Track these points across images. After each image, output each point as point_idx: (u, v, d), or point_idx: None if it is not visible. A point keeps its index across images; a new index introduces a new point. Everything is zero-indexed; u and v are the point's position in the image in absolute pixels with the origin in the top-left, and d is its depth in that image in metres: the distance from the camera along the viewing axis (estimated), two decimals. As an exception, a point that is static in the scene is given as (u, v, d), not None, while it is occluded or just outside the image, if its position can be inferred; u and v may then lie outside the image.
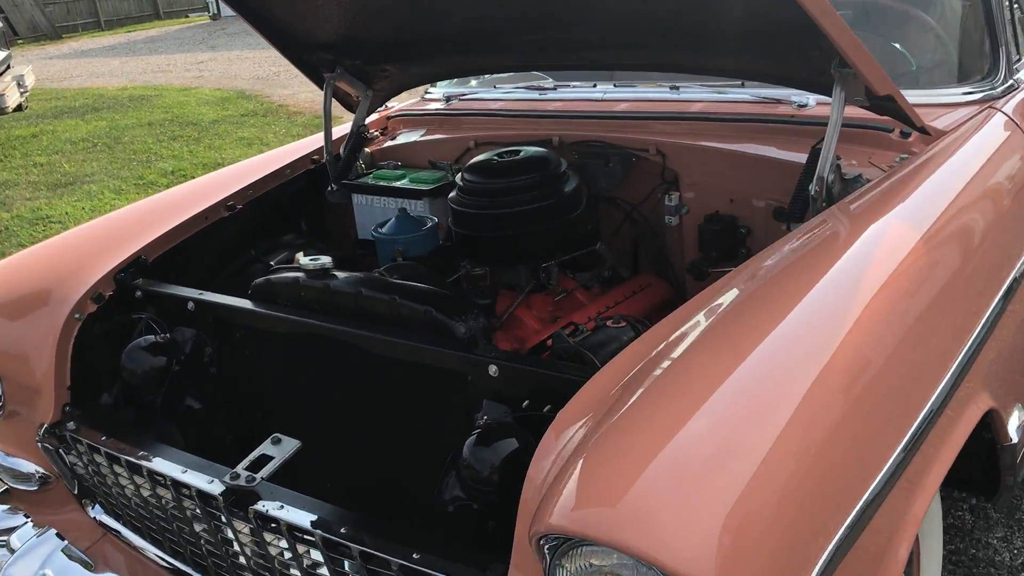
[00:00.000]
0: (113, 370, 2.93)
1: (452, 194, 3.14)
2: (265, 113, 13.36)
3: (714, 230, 3.08)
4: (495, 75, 3.89)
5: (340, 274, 2.68)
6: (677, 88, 3.35)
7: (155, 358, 2.84)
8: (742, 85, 3.26)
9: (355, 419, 2.66)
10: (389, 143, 3.88)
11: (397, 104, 4.14)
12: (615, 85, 3.51)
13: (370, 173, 3.71)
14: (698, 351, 1.87)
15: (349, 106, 3.78)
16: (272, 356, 2.84)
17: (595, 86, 3.55)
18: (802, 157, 2.94)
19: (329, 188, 3.64)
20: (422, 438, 2.53)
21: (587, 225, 3.12)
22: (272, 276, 2.76)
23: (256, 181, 3.51)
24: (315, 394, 2.74)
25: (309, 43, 3.44)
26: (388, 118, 4.08)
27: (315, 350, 2.69)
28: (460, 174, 3.13)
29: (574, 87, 3.61)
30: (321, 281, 2.63)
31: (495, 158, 3.08)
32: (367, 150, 3.81)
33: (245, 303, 2.76)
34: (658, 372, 1.79)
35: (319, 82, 3.62)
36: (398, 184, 3.54)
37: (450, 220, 3.15)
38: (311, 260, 2.69)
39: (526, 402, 2.18)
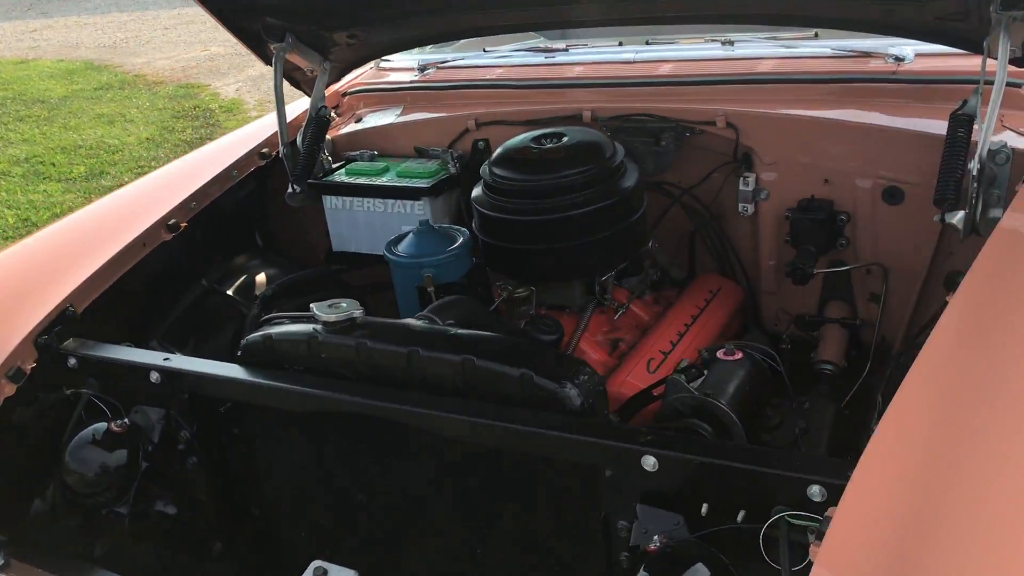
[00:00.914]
0: (46, 466, 2.14)
1: (477, 193, 2.43)
2: (121, 85, 12.00)
3: (812, 220, 2.49)
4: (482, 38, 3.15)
5: (374, 323, 1.96)
6: (732, 43, 2.72)
7: (111, 454, 2.06)
8: (815, 36, 2.66)
9: (420, 533, 1.97)
10: (354, 127, 3.11)
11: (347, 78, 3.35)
12: (648, 42, 2.85)
13: (341, 167, 2.94)
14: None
15: (297, 83, 2.99)
16: (278, 440, 2.09)
17: (621, 44, 2.88)
18: (916, 124, 2.39)
19: (289, 189, 2.86)
20: (531, 566, 1.86)
21: (646, 224, 2.47)
22: (274, 332, 2.01)
23: (198, 190, 2.70)
24: (350, 496, 2.02)
25: (253, 6, 2.64)
26: (343, 95, 3.29)
27: (346, 433, 1.97)
28: (487, 167, 2.42)
29: (594, 47, 2.92)
30: (352, 338, 1.90)
31: (533, 145, 2.39)
32: (328, 137, 3.03)
33: (237, 371, 2.00)
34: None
35: (265, 56, 2.81)
36: (383, 181, 2.80)
37: (477, 227, 2.45)
38: (330, 308, 1.95)
39: (704, 506, 1.55)
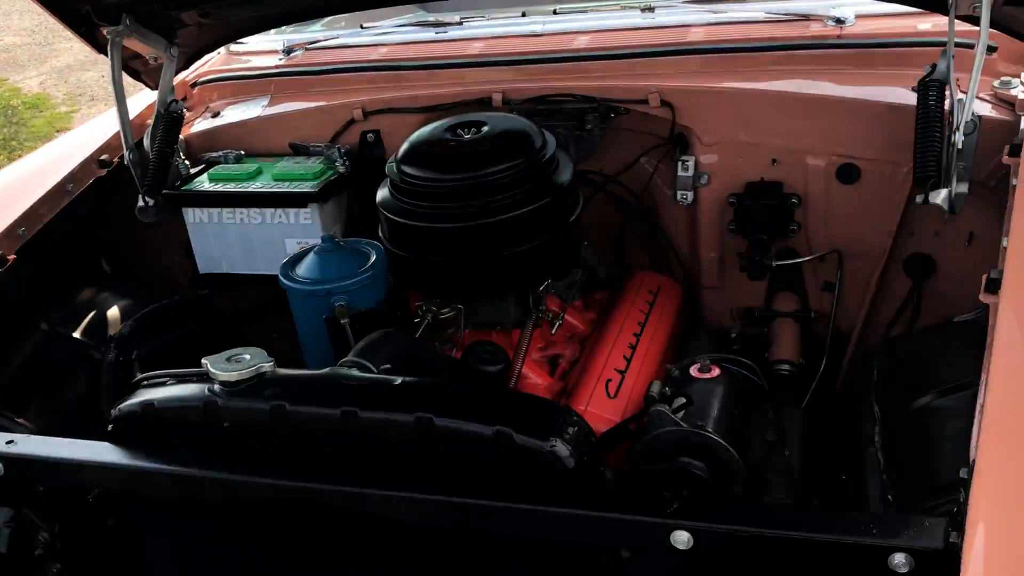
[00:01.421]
0: None
1: (384, 196, 2.03)
2: None
3: (761, 205, 2.22)
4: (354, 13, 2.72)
5: (291, 378, 1.54)
6: (652, 9, 2.41)
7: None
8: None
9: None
10: (212, 122, 2.63)
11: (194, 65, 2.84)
12: (556, 11, 2.50)
13: (202, 173, 2.46)
14: None
15: (136, 73, 2.49)
16: (171, 535, 1.64)
17: (524, 15, 2.52)
18: (868, 93, 2.16)
19: (140, 203, 2.36)
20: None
21: (582, 223, 2.13)
22: (155, 397, 1.56)
23: (25, 213, 2.19)
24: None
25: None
26: (191, 85, 2.79)
27: (264, 524, 1.55)
28: (395, 166, 2.02)
29: (493, 19, 2.55)
30: (264, 400, 1.48)
31: (450, 137, 2.00)
32: (180, 137, 2.53)
33: (110, 452, 1.54)
34: None
35: (97, 43, 2.30)
36: (258, 187, 2.34)
37: (385, 238, 2.05)
38: (229, 361, 1.52)
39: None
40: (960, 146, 1.82)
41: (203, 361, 1.53)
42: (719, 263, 2.36)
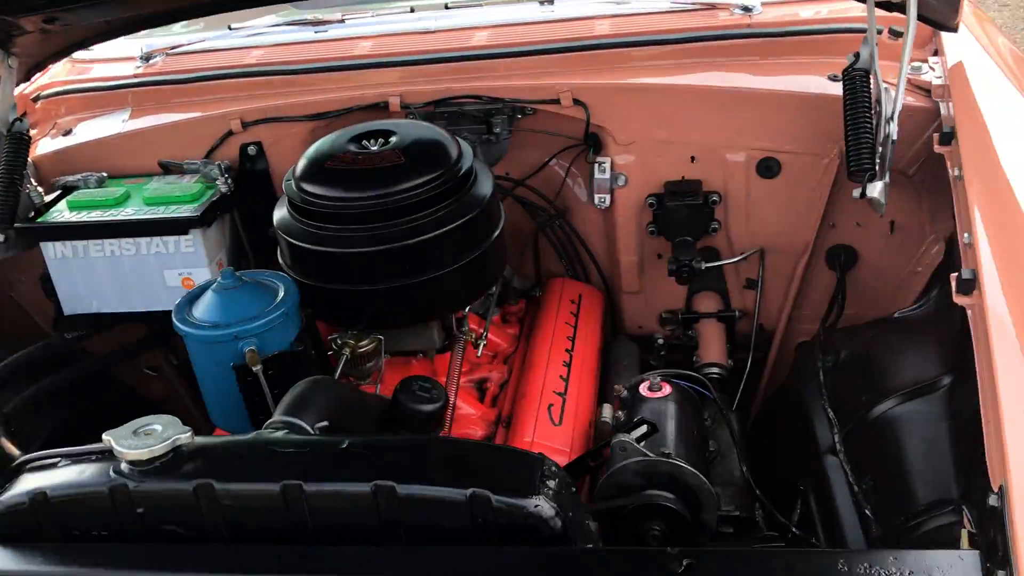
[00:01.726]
0: None
1: (282, 218, 1.81)
2: None
3: (684, 206, 2.12)
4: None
5: (215, 447, 1.32)
6: (551, 2, 2.27)
7: None
8: (642, -11, 2.28)
9: None
10: (63, 142, 2.32)
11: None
12: (448, 6, 2.31)
13: (58, 200, 2.16)
14: None
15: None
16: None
17: (413, 11, 2.33)
18: (785, 83, 2.10)
19: (-13, 239, 2.05)
20: None
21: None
22: (47, 485, 1.30)
23: None
24: None
25: None
26: (33, 99, 2.47)
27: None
28: (293, 183, 1.80)
29: (379, 16, 2.34)
30: (186, 479, 1.25)
31: (354, 149, 1.80)
32: (28, 159, 2.21)
33: None
34: None
35: (-80, 53, 1.98)
36: (129, 214, 2.07)
37: (286, 264, 1.83)
38: (137, 435, 1.29)
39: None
40: (895, 137, 1.76)
41: (104, 437, 1.29)
42: (639, 267, 2.25)
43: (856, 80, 1.84)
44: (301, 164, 1.83)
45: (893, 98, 1.76)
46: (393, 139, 1.81)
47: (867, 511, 1.52)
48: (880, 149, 1.78)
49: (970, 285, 1.37)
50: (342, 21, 2.34)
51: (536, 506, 1.20)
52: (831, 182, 2.06)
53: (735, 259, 2.17)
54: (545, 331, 2.06)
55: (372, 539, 1.23)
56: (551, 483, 1.25)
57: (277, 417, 1.43)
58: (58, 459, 1.36)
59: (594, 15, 2.23)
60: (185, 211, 2.05)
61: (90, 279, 2.12)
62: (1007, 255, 1.37)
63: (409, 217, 1.71)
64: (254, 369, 1.62)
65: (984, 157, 1.61)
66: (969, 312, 1.35)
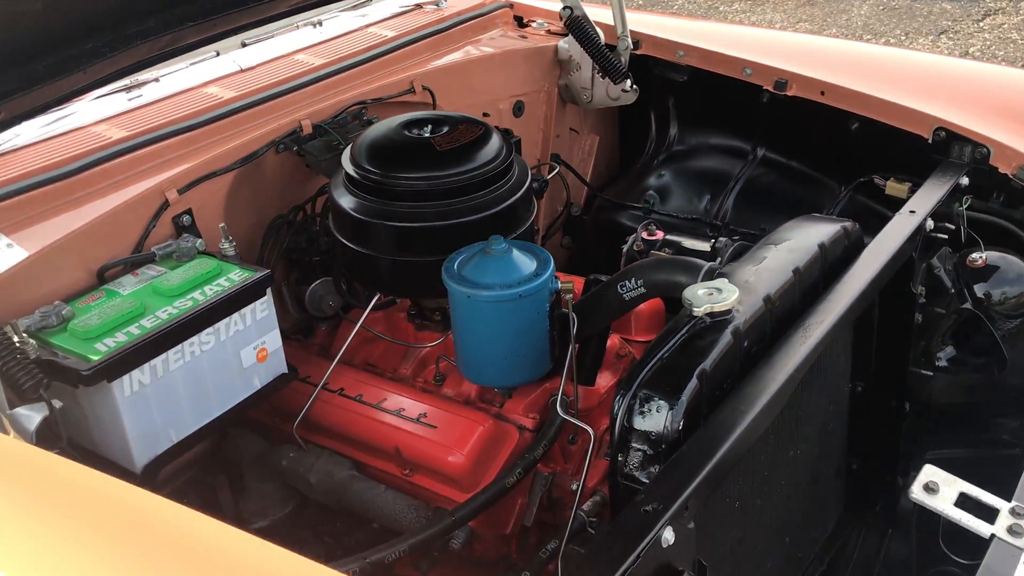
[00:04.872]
0: None
1: (351, 204, 1.94)
2: None
3: None
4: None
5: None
6: (321, 24, 2.52)
7: None
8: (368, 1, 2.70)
9: None
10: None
11: None
12: (244, 44, 2.35)
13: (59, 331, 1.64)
14: None
15: None
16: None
17: (218, 54, 2.28)
18: (513, 44, 2.82)
19: None
20: None
21: None
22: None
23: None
24: None
25: None
26: None
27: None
28: (350, 160, 1.96)
29: (192, 66, 2.22)
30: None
31: (417, 133, 2.00)
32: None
33: None
34: None
35: None
36: (174, 311, 1.74)
37: (352, 242, 1.98)
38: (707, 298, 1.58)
39: None
40: (631, 45, 2.71)
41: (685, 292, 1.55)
42: None
43: (579, 23, 2.69)
44: (368, 150, 1.96)
45: (620, 20, 2.68)
46: (445, 128, 2.02)
47: None
48: (624, 57, 2.71)
49: None
50: (157, 81, 2.17)
51: None
52: (554, 108, 2.87)
53: None
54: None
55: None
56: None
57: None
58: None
59: (353, 28, 2.57)
60: (237, 276, 1.82)
61: (169, 402, 1.71)
62: None
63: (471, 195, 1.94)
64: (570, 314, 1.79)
65: None
66: None
